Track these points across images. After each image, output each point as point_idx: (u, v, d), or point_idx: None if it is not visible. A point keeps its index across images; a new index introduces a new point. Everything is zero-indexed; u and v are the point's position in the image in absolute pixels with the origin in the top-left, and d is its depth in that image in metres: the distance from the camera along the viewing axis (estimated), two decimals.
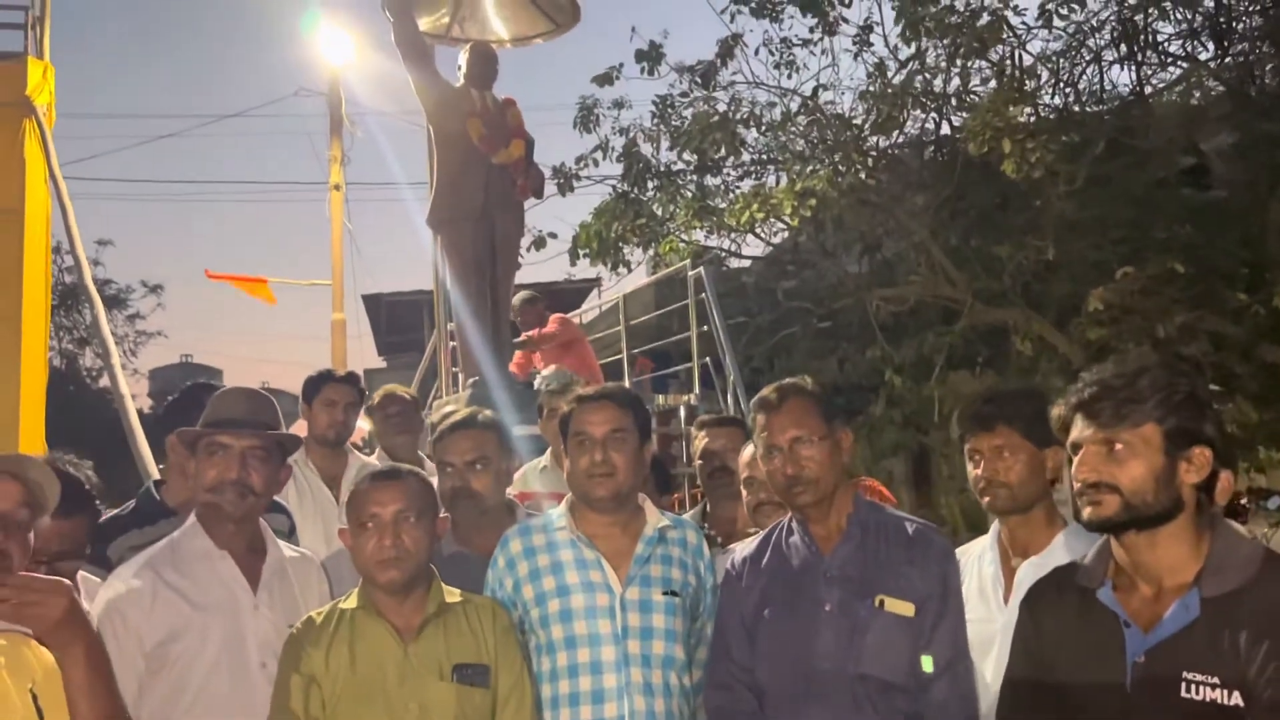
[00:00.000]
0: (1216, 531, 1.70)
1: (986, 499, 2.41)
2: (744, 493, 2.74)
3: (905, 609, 2.15)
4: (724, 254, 11.18)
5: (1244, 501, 11.02)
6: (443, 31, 6.81)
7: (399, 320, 23.46)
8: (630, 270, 11.61)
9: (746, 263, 12.17)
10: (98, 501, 2.41)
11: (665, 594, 2.37)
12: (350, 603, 2.25)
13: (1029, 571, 2.31)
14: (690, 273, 7.04)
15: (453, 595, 2.29)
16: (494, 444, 2.73)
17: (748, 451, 2.73)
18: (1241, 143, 9.73)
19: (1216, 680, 1.56)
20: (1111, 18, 10.37)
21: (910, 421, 11.56)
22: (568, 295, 15.33)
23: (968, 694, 2.16)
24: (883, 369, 10.66)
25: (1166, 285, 9.12)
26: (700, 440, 3.20)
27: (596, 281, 16.64)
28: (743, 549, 2.43)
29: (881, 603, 2.16)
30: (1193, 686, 1.58)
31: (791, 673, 2.19)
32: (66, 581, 1.82)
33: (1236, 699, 1.54)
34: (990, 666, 2.26)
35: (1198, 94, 10.43)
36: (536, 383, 6.61)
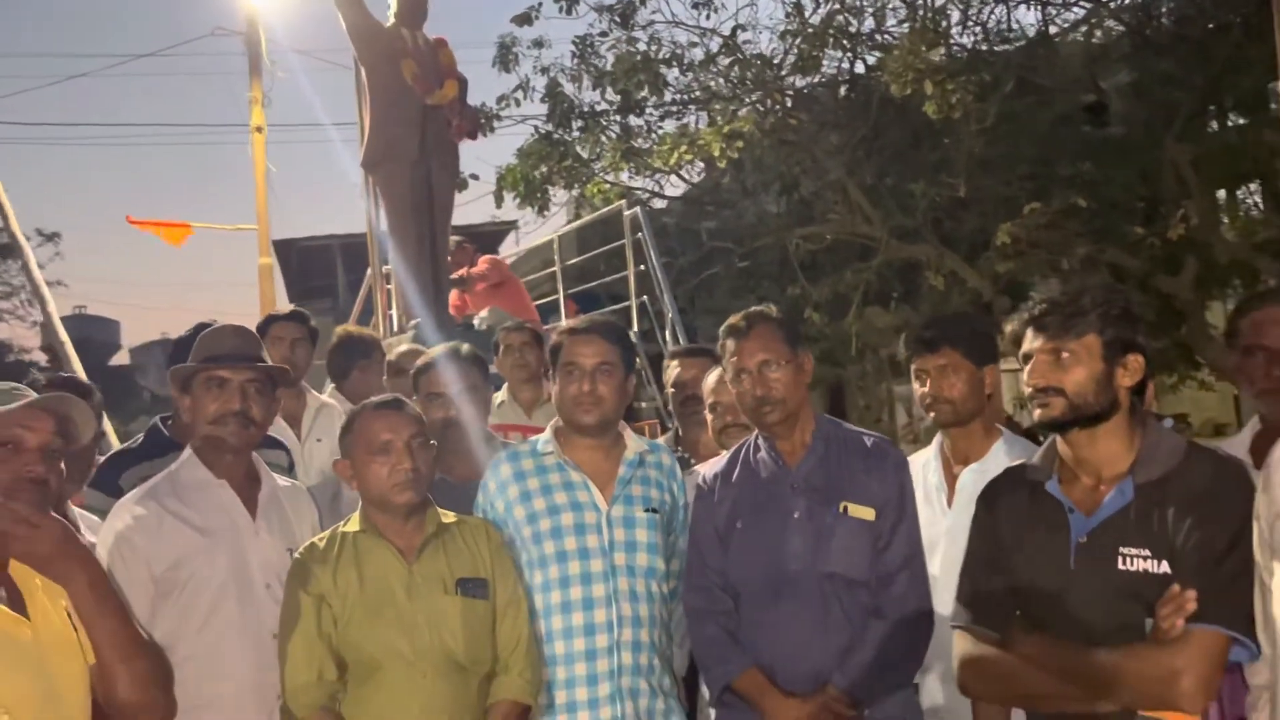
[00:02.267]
0: (1147, 428, 1.96)
1: (932, 414, 2.65)
2: (709, 417, 2.94)
3: (866, 513, 2.38)
4: (647, 195, 11.29)
5: (1148, 414, 11.67)
6: None
7: (311, 266, 23.04)
8: (550, 213, 11.70)
9: (667, 203, 12.32)
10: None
11: (646, 511, 2.56)
12: (352, 526, 2.39)
13: (970, 478, 2.58)
14: (626, 213, 7.17)
15: (448, 517, 2.45)
16: (480, 375, 2.88)
17: (711, 379, 2.93)
18: (1139, 81, 10.08)
19: (1147, 552, 1.82)
20: None
21: (828, 356, 11.92)
22: (485, 238, 15.28)
23: (923, 588, 2.40)
24: (802, 306, 10.93)
25: (1070, 220, 9.53)
26: (672, 370, 3.38)
27: (513, 224, 16.63)
28: (712, 466, 2.62)
29: (845, 508, 2.38)
30: (1128, 559, 1.84)
31: (764, 575, 2.40)
32: (54, 516, 1.85)
33: (1164, 567, 1.80)
34: (937, 563, 2.51)
35: (1099, 34, 10.77)
36: (476, 323, 6.73)
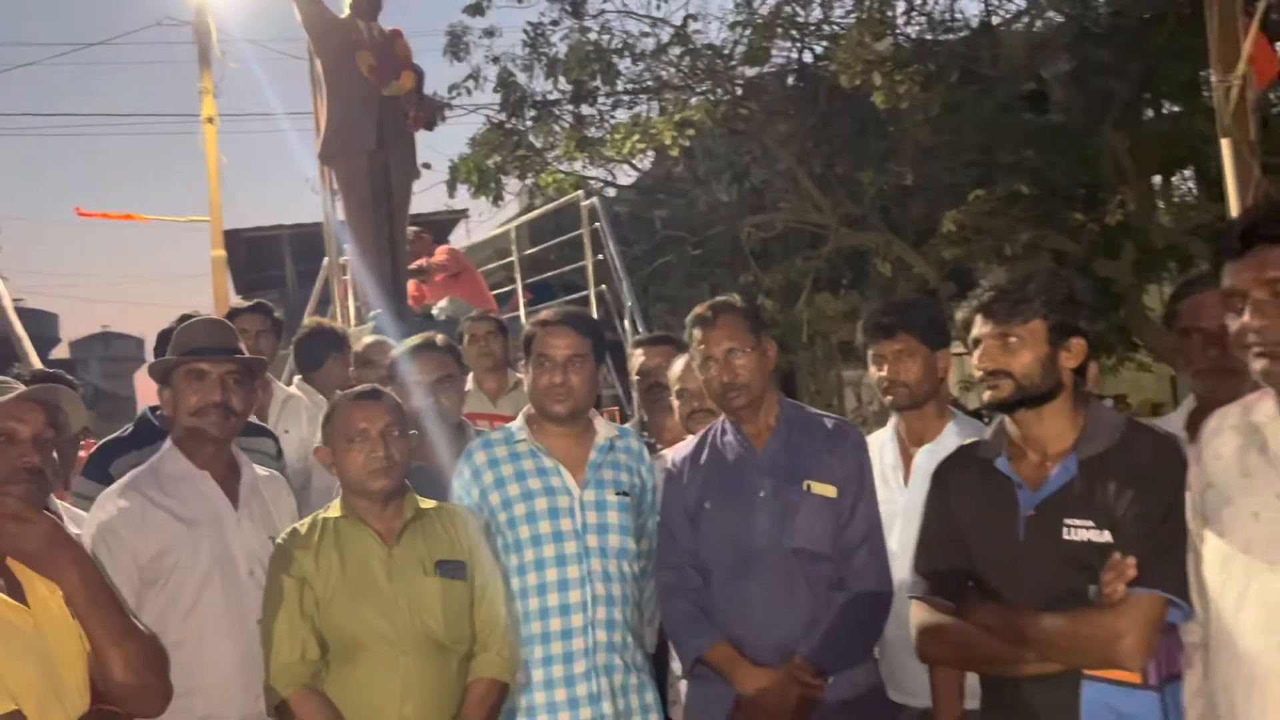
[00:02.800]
0: (1089, 406, 2.09)
1: (889, 397, 2.78)
2: (676, 403, 3.04)
3: (829, 491, 2.50)
4: (600, 184, 11.35)
5: (1090, 394, 11.96)
6: None
7: (258, 257, 22.74)
8: (504, 203, 11.72)
9: (621, 192, 12.38)
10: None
11: (617, 494, 2.67)
12: (332, 512, 2.46)
13: (925, 457, 2.71)
14: (584, 204, 7.24)
15: (426, 503, 2.53)
16: (455, 364, 2.96)
17: (677, 366, 3.03)
18: (1078, 70, 10.30)
19: (1091, 523, 1.96)
20: None
21: (779, 342, 12.08)
22: (437, 227, 15.23)
23: (882, 562, 2.52)
24: (754, 293, 11.06)
25: (1012, 206, 9.78)
26: (637, 358, 3.47)
27: (464, 213, 16.58)
28: (681, 450, 2.73)
29: (808, 487, 2.50)
30: (1072, 530, 1.97)
31: (733, 551, 2.51)
32: (44, 513, 1.92)
33: (1106, 536, 1.94)
34: (894, 539, 2.64)
35: (1040, 24, 11.00)
36: (435, 312, 6.77)
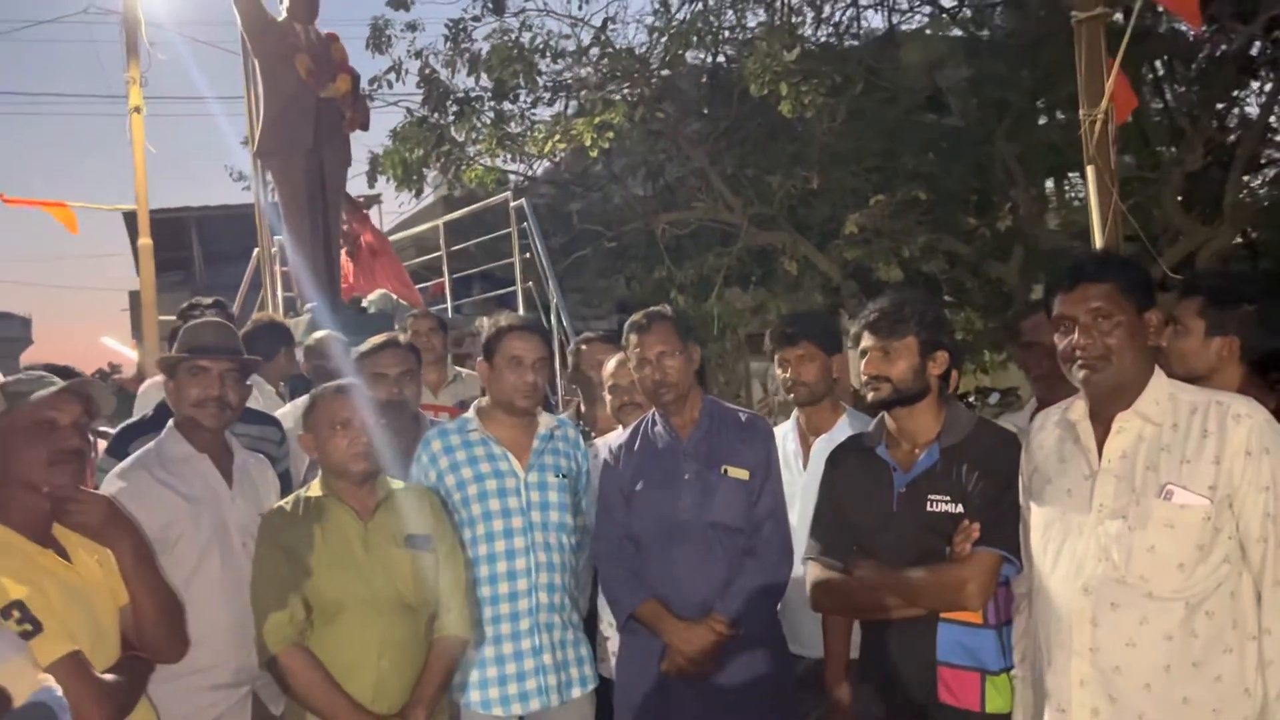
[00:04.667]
0: (950, 406, 2.60)
1: (791, 394, 3.26)
2: (608, 397, 3.47)
3: (742, 474, 2.95)
4: (520, 178, 11.64)
5: (971, 399, 12.69)
6: None
7: (164, 239, 22.39)
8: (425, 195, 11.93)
9: (540, 186, 12.68)
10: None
11: (557, 476, 3.09)
12: (314, 492, 2.81)
13: (821, 445, 3.19)
14: (512, 204, 7.59)
15: (396, 483, 2.90)
16: (415, 361, 3.33)
17: (610, 364, 3.46)
18: (974, 80, 10.94)
19: (948, 498, 2.46)
20: None
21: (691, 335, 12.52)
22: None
23: (785, 533, 2.98)
24: (667, 287, 11.50)
25: (911, 210, 10.36)
26: (581, 354, 3.86)
27: (378, 198, 16.68)
28: (616, 439, 3.16)
29: (725, 470, 2.95)
30: (934, 503, 2.47)
31: (660, 524, 2.95)
32: (104, 494, 2.28)
33: (959, 508, 2.44)
34: (795, 515, 3.11)
35: (940, 35, 11.59)
36: (365, 304, 7.07)
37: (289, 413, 3.98)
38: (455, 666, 2.83)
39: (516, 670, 2.96)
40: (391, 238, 8.08)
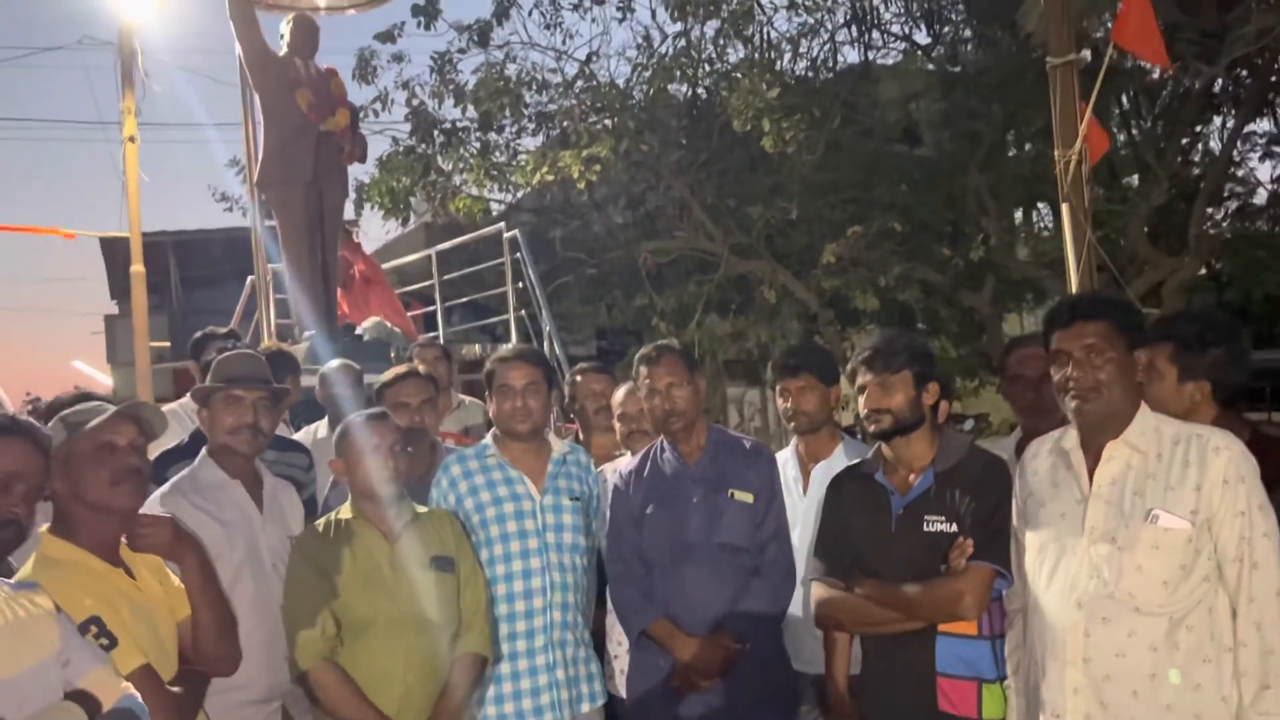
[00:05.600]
0: (943, 433, 2.80)
1: (792, 424, 3.44)
2: (618, 425, 3.63)
3: (747, 498, 3.12)
4: (504, 206, 11.82)
5: (943, 424, 12.86)
6: None
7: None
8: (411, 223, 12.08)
9: (522, 214, 12.85)
10: None
11: (571, 499, 3.25)
12: (345, 514, 2.96)
13: (820, 472, 3.37)
14: (506, 235, 7.77)
15: (420, 508, 3.05)
16: (434, 389, 3.49)
17: (619, 394, 3.63)
18: (948, 113, 11.20)
19: (943, 519, 2.65)
20: (845, 1, 11.72)
21: None
22: None
23: (788, 554, 3.15)
24: (648, 314, 11.70)
25: (886, 240, 10.63)
26: (578, 384, 4.02)
27: (354, 222, 16.80)
28: (627, 465, 3.33)
29: (732, 494, 3.12)
30: (930, 524, 2.66)
31: (670, 546, 3.11)
32: (170, 515, 2.44)
33: (954, 528, 2.63)
34: (796, 536, 3.29)
35: (914, 69, 11.88)
36: (359, 331, 7.21)
37: (303, 438, 4.12)
38: (476, 683, 2.97)
39: (531, 686, 3.11)
40: (383, 265, 8.21)
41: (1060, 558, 2.42)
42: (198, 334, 4.51)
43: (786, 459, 3.51)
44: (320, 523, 2.97)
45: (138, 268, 9.70)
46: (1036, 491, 2.53)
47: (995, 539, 2.59)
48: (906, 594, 2.63)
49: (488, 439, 3.31)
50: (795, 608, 3.17)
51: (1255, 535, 2.22)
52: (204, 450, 3.06)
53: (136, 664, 2.13)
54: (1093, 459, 2.41)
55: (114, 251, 21.14)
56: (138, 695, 1.94)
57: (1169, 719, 2.23)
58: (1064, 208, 5.38)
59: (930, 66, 11.73)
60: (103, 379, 23.06)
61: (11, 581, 2.01)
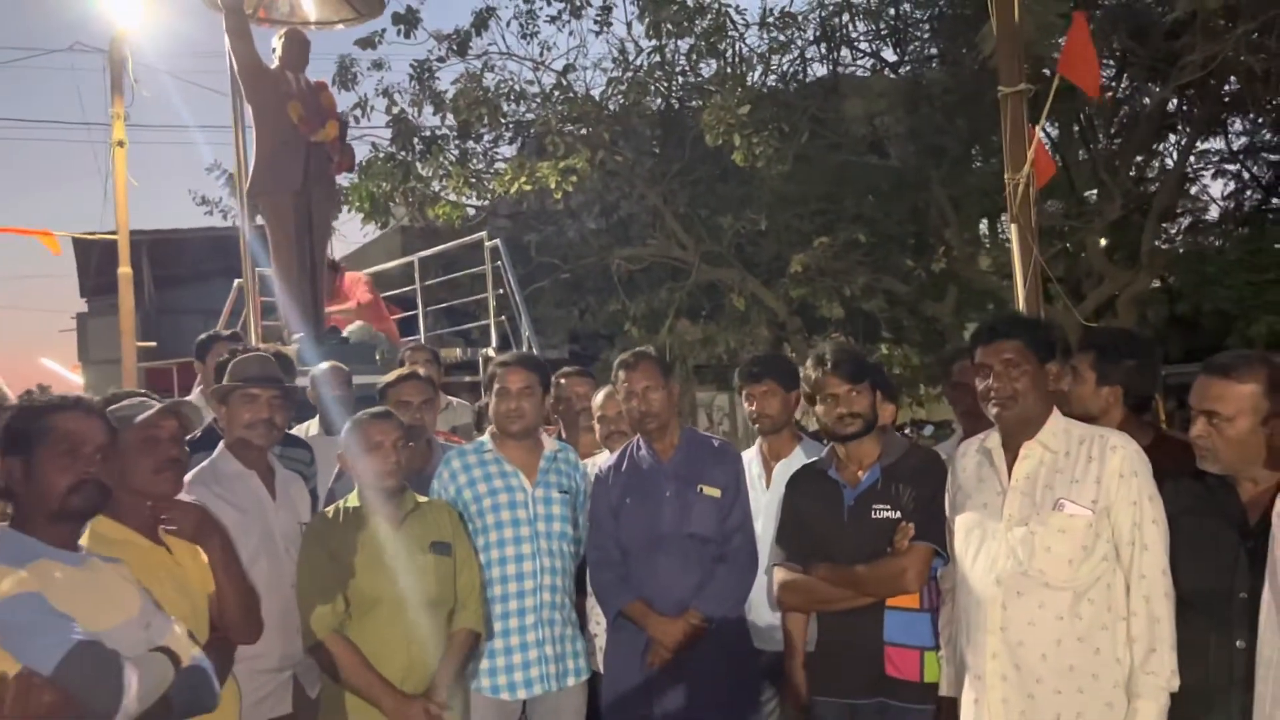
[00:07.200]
0: (886, 434, 3.18)
1: (757, 425, 3.78)
2: (597, 426, 3.96)
3: (715, 493, 3.45)
4: (481, 212, 12.07)
5: (907, 430, 13.35)
6: (250, 10, 7.34)
7: (109, 263, 22.37)
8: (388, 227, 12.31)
9: (498, 220, 13.10)
10: None
11: (560, 492, 3.57)
12: (352, 502, 3.26)
13: (781, 469, 3.72)
14: (488, 244, 8.07)
15: (420, 498, 3.37)
16: (433, 390, 3.81)
17: (599, 397, 3.95)
18: (913, 128, 11.55)
19: (888, 507, 3.02)
20: (815, 18, 12.09)
21: None
22: None
23: (751, 544, 3.49)
24: (621, 319, 11.99)
25: (852, 251, 10.99)
26: (561, 387, 4.33)
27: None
28: (606, 461, 3.66)
29: (701, 489, 3.45)
30: (877, 512, 3.04)
31: (645, 536, 3.44)
32: (197, 501, 2.74)
33: (897, 515, 3.01)
34: (759, 527, 3.62)
35: (880, 86, 12.24)
36: (345, 334, 7.48)
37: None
38: (470, 655, 3.30)
39: (521, 660, 3.42)
40: (364, 271, 8.47)
41: (983, 541, 2.78)
42: (203, 335, 4.78)
43: (751, 457, 3.85)
44: (330, 510, 3.28)
45: (125, 269, 9.92)
46: (964, 485, 2.90)
47: (932, 523, 2.97)
48: (857, 573, 3.00)
49: (485, 436, 3.63)
50: (757, 592, 3.50)
51: (1145, 521, 2.59)
52: (221, 444, 3.35)
53: (179, 631, 2.42)
54: (1011, 457, 2.79)
55: (87, 250, 21.17)
56: (204, 657, 2.25)
57: (1072, 678, 2.59)
58: (1013, 227, 5.75)
59: (896, 79, 12.08)
60: (72, 377, 22.99)
61: (104, 556, 2.31)
